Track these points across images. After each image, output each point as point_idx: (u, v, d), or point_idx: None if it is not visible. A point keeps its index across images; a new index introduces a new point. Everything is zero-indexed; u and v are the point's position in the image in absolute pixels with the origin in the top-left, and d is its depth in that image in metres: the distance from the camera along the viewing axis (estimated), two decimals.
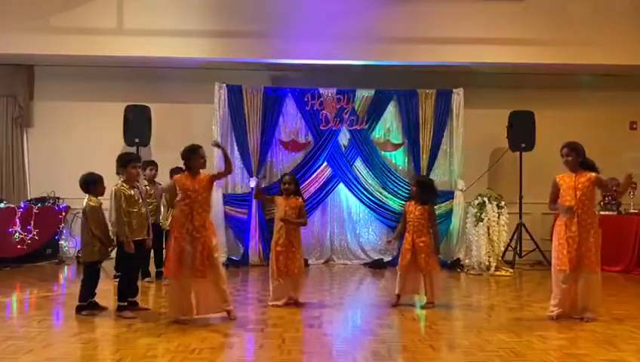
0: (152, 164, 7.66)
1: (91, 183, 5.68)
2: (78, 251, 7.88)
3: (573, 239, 5.38)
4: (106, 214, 6.04)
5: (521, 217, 9.19)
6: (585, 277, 5.39)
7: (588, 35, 8.98)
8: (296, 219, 5.99)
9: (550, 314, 5.49)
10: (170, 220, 7.31)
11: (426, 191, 6.11)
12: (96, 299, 5.72)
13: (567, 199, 5.43)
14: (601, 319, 5.44)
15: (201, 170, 5.41)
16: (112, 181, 5.83)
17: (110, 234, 5.76)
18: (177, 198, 5.36)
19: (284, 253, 5.93)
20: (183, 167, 5.68)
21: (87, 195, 5.68)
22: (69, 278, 7.99)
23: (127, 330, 5.01)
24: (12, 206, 8.61)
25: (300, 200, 6.13)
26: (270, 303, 5.97)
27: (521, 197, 9.20)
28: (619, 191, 6.81)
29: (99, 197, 5.71)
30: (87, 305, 5.60)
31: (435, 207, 8.89)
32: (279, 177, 9.01)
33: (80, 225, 5.81)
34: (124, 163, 5.69)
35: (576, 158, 5.45)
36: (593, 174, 5.41)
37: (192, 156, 5.35)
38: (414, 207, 6.05)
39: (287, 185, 6.09)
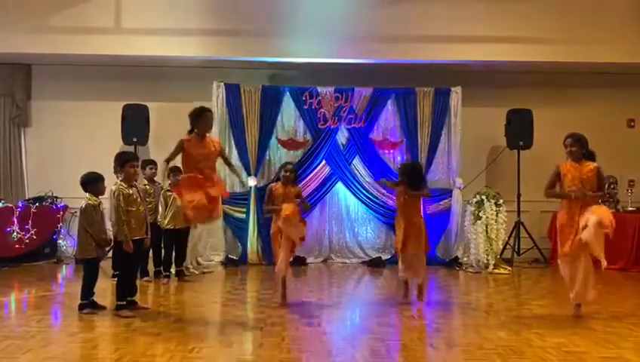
0: (152, 163, 7.66)
1: (91, 182, 5.68)
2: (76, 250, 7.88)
3: (572, 228, 5.42)
4: (107, 213, 6.05)
5: (519, 215, 9.19)
6: (584, 263, 5.42)
7: (585, 33, 8.97)
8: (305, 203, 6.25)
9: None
10: (168, 217, 7.39)
11: (414, 178, 6.16)
12: (95, 298, 5.73)
13: (573, 189, 5.47)
14: (599, 316, 5.46)
15: (207, 134, 5.57)
16: (110, 180, 5.84)
17: (106, 234, 5.76)
18: (184, 161, 5.53)
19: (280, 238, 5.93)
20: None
21: (87, 194, 5.68)
22: (67, 278, 7.98)
23: (126, 329, 5.02)
24: (10, 205, 8.58)
25: (299, 188, 6.30)
26: (277, 270, 5.96)
27: (519, 195, 9.21)
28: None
29: (99, 197, 5.72)
30: (89, 303, 5.61)
31: (434, 205, 9.02)
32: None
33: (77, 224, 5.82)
34: (122, 162, 5.72)
35: (580, 149, 5.52)
36: (595, 164, 5.50)
37: (198, 119, 5.50)
38: (405, 191, 6.10)
39: (288, 173, 6.10)
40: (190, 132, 5.54)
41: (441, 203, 9.12)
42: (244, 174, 9.16)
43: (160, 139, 9.23)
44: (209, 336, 4.80)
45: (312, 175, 9.17)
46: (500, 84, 9.69)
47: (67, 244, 9.29)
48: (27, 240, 8.54)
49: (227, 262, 8.74)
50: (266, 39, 8.91)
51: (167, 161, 5.58)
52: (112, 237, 5.80)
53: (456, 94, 9.18)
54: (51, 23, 8.77)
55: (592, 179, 5.45)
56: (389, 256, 8.90)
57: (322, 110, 9.17)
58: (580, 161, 5.51)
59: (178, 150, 5.51)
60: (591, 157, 5.56)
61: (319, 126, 9.18)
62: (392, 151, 9.38)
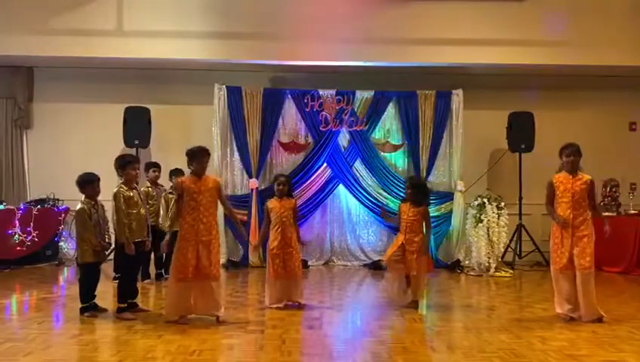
0: (156, 166, 7.65)
1: (84, 183, 5.65)
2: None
3: (567, 239, 5.42)
4: (109, 216, 6.04)
5: (520, 218, 9.19)
6: (580, 276, 5.40)
7: (588, 36, 8.99)
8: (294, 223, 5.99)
9: (563, 316, 5.48)
10: (169, 222, 7.37)
11: (419, 193, 6.10)
12: (96, 300, 5.72)
13: (564, 201, 5.49)
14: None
15: (206, 173, 5.46)
16: (112, 182, 5.84)
17: (104, 238, 5.75)
18: (183, 200, 5.36)
19: (281, 255, 5.90)
20: (182, 169, 5.72)
21: (83, 197, 5.68)
22: (68, 280, 7.98)
23: (127, 332, 5.02)
24: (12, 207, 8.60)
25: (294, 201, 6.12)
26: (271, 306, 5.90)
27: (520, 198, 9.21)
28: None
29: (99, 199, 5.72)
30: (89, 306, 5.60)
31: (435, 208, 9.00)
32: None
33: None
34: (123, 165, 5.71)
35: (579, 160, 5.52)
36: (589, 177, 5.49)
37: (195, 158, 5.39)
38: (408, 208, 6.06)
39: (281, 187, 6.02)
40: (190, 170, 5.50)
41: (442, 206, 9.13)
42: (245, 176, 9.18)
43: (162, 141, 9.26)
44: (210, 339, 4.79)
45: (313, 178, 9.18)
46: (501, 87, 9.70)
47: (68, 246, 9.30)
48: (29, 243, 8.55)
49: (228, 265, 8.74)
50: (268, 42, 8.93)
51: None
52: (112, 241, 5.80)
53: (457, 97, 9.20)
54: (53, 25, 8.80)
55: (584, 192, 5.45)
56: None
57: (324, 113, 9.18)
58: (574, 172, 5.51)
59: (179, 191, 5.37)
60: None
61: (321, 128, 9.19)
62: (393, 153, 9.39)
